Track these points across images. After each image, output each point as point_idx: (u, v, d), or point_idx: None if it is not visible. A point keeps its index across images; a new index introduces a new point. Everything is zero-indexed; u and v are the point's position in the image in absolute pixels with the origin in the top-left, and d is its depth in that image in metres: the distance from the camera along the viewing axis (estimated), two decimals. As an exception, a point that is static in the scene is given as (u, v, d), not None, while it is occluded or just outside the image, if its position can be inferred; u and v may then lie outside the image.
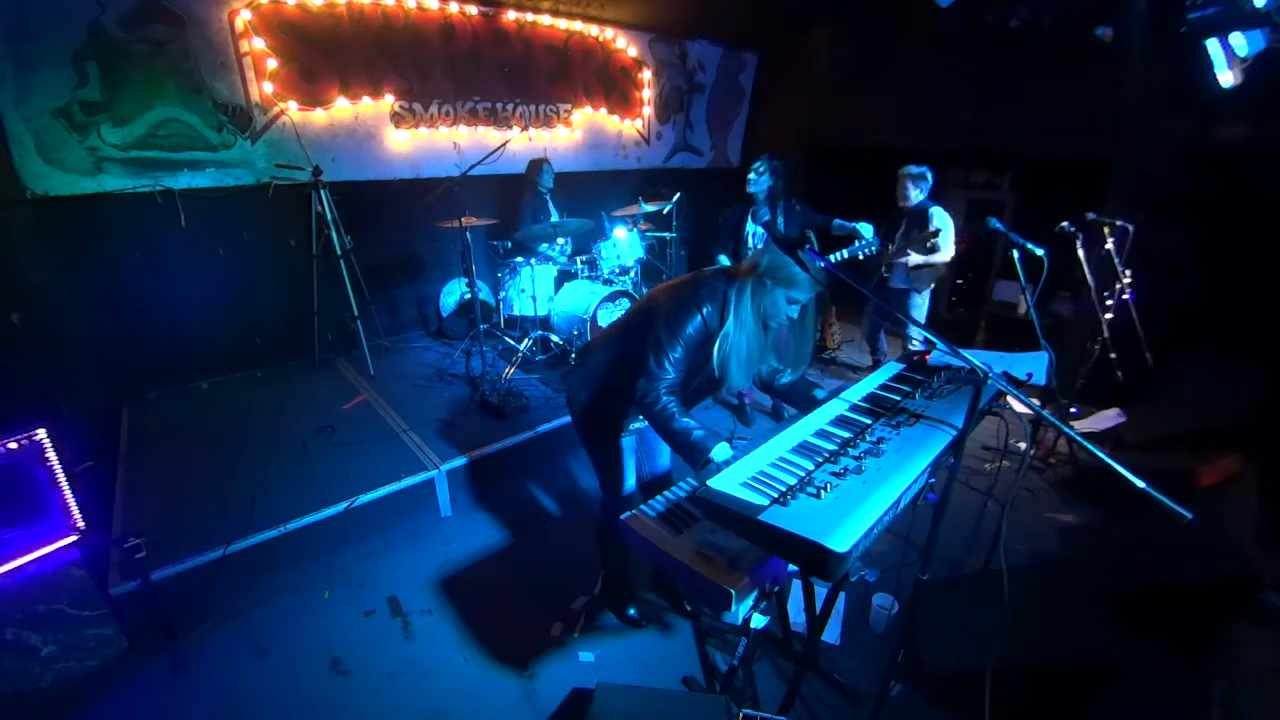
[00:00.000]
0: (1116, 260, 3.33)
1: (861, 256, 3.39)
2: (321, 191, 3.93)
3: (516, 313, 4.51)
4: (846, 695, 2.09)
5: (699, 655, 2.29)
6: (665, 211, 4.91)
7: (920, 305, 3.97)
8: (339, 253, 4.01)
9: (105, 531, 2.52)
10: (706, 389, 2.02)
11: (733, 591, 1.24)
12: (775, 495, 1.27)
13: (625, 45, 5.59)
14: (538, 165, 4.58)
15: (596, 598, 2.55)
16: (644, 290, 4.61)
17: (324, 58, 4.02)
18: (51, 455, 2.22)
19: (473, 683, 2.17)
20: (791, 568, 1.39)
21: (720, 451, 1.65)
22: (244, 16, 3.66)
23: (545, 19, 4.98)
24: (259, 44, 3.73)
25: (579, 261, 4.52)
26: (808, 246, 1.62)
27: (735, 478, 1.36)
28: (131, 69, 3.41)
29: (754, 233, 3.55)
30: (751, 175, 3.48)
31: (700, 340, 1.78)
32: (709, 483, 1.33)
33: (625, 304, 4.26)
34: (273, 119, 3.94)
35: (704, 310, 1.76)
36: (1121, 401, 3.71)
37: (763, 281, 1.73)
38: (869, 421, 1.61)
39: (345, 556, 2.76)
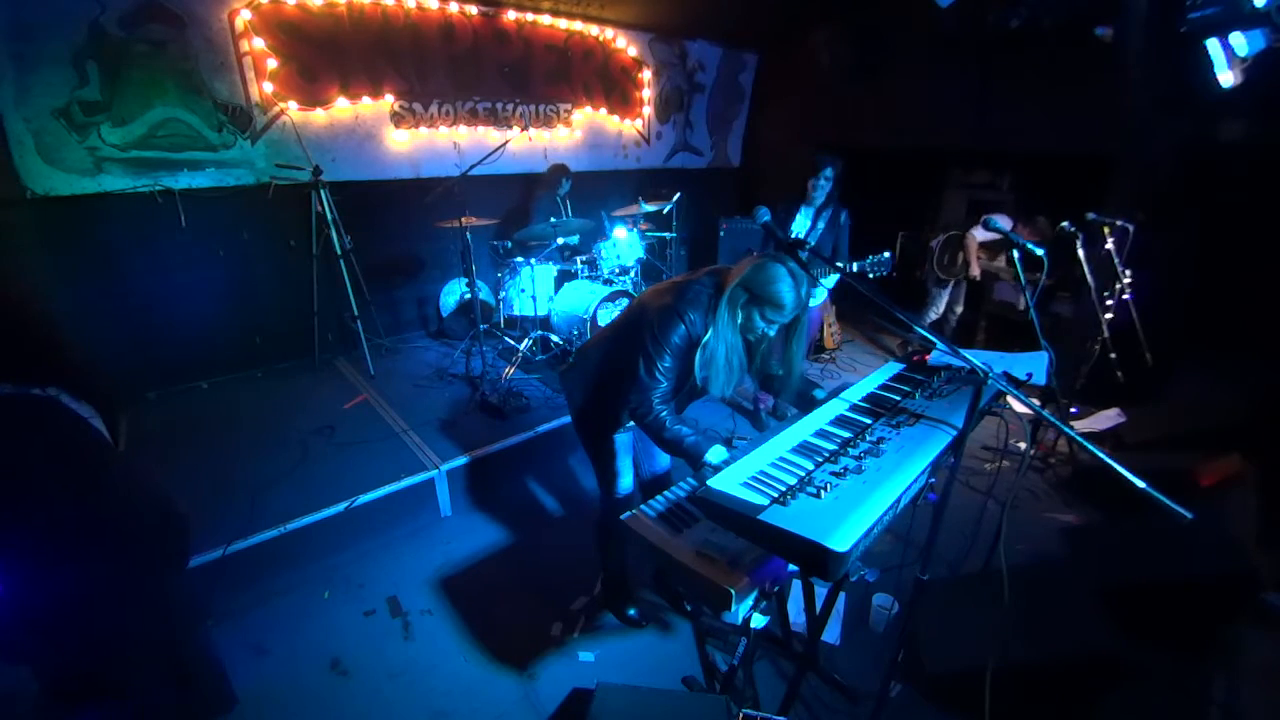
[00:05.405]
0: (1116, 260, 3.33)
1: (871, 275, 3.21)
2: (321, 191, 3.93)
3: (516, 313, 4.51)
4: (846, 695, 2.09)
5: (699, 655, 2.29)
6: (665, 211, 4.91)
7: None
8: (339, 253, 4.01)
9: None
10: (697, 393, 2.02)
11: (733, 591, 1.24)
12: (775, 495, 1.27)
13: (625, 45, 5.59)
14: (559, 170, 4.74)
15: (596, 598, 2.55)
16: (644, 289, 4.63)
17: (324, 58, 4.02)
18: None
19: (473, 683, 2.17)
20: (791, 568, 1.39)
21: (715, 454, 1.65)
22: (244, 16, 3.66)
23: (545, 19, 4.97)
24: (259, 44, 3.73)
25: (579, 261, 4.52)
26: (806, 248, 1.62)
27: (735, 478, 1.36)
28: (131, 69, 3.41)
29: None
30: (821, 181, 3.29)
31: (687, 347, 1.78)
32: (709, 483, 1.33)
33: (625, 304, 4.26)
34: (273, 119, 3.93)
35: (687, 317, 1.75)
36: (1121, 401, 3.70)
37: (741, 293, 1.71)
38: (869, 421, 1.61)
39: (345, 556, 2.76)
